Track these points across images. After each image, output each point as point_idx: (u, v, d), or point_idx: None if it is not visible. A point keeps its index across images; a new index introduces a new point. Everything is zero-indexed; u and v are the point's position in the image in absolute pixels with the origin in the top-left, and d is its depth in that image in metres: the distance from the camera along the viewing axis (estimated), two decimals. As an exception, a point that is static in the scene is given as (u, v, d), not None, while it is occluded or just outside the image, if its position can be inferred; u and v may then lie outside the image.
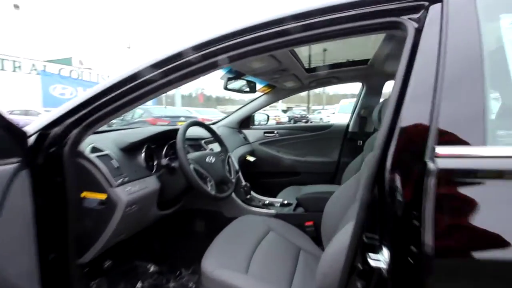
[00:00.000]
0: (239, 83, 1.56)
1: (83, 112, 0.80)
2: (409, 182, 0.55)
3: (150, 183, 1.12)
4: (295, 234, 1.37)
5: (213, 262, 1.04)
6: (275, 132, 2.47)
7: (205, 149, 1.58)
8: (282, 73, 1.51)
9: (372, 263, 0.58)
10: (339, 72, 1.90)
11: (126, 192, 1.00)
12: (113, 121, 0.97)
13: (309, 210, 1.46)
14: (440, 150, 0.52)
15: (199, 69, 0.74)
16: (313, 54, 1.71)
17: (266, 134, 2.47)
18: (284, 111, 21.64)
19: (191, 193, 1.39)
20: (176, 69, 0.74)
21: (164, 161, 1.12)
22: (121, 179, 1.01)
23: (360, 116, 2.12)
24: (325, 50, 1.70)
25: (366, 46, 1.68)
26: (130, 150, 1.15)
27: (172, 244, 1.64)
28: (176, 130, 1.29)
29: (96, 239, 1.01)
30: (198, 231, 1.65)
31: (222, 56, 0.72)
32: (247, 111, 2.42)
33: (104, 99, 0.79)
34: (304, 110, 23.66)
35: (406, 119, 0.58)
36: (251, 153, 2.38)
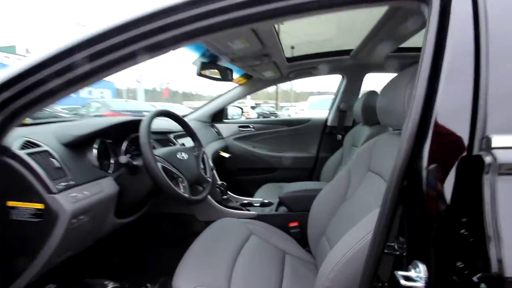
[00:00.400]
0: (214, 70, 1.37)
1: (7, 94, 0.57)
2: (454, 180, 0.43)
3: (106, 187, 0.90)
4: (278, 236, 1.24)
5: (187, 279, 0.86)
6: (251, 126, 2.31)
7: (174, 145, 1.37)
8: (263, 60, 1.35)
9: (404, 283, 0.45)
10: (320, 62, 1.80)
11: (71, 199, 0.77)
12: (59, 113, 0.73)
13: (293, 210, 1.34)
14: (499, 140, 0.40)
15: (168, 42, 0.55)
16: (295, 43, 1.59)
17: (241, 129, 2.30)
18: (253, 108, 21.59)
19: (158, 196, 1.18)
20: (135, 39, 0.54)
21: (124, 158, 0.90)
22: (65, 183, 0.78)
23: (340, 110, 2.05)
24: (309, 41, 1.59)
25: (349, 36, 1.59)
26: (78, 145, 0.91)
27: (135, 255, 1.40)
28: (138, 122, 1.07)
29: (31, 260, 0.78)
30: (166, 239, 1.43)
31: (186, 27, 0.53)
32: (220, 103, 2.23)
33: (37, 76, 0.57)
34: (272, 107, 23.84)
35: (444, 103, 0.45)
36: (225, 149, 2.20)
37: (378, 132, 1.50)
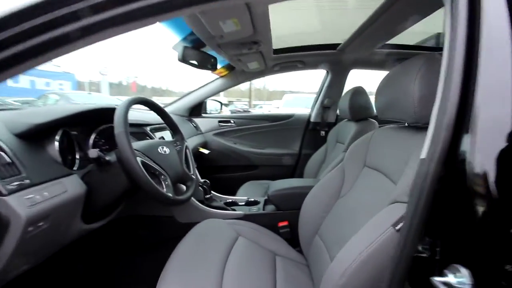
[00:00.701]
0: (198, 56, 1.24)
1: None
2: (504, 173, 0.38)
3: (70, 186, 0.74)
4: (267, 237, 1.16)
5: (173, 287, 0.75)
6: (232, 121, 2.20)
7: (152, 138, 1.22)
8: (252, 48, 1.26)
9: None
10: (306, 56, 1.75)
11: (27, 203, 0.62)
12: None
13: (282, 208, 1.27)
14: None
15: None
16: (283, 35, 1.51)
17: (221, 124, 2.18)
18: (226, 105, 21.31)
19: (132, 196, 1.03)
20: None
21: (94, 152, 0.75)
22: (18, 182, 0.62)
23: (323, 106, 2.02)
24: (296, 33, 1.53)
25: (338, 30, 1.56)
26: (35, 137, 0.75)
27: (106, 264, 1.24)
28: (109, 111, 0.92)
29: None
30: (142, 244, 1.28)
31: None
32: (199, 96, 2.09)
33: None
34: (245, 105, 23.81)
35: (485, 91, 0.41)
36: (204, 145, 2.07)
37: (366, 128, 1.48)
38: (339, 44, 1.63)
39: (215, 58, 1.40)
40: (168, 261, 0.86)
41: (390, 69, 1.77)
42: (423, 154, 0.49)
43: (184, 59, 1.14)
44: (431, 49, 1.67)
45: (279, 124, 2.17)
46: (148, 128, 1.26)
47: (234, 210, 1.31)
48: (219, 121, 2.19)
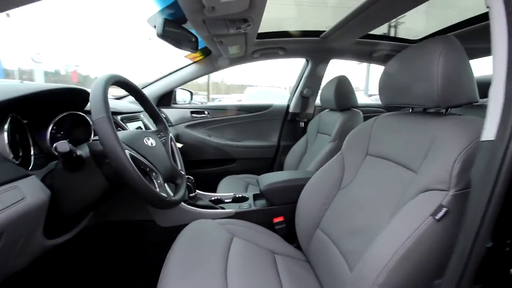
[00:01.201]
0: (178, 33, 1.06)
1: None
2: None
3: (29, 192, 0.54)
4: (263, 235, 1.07)
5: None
6: (206, 112, 2.03)
7: (123, 130, 1.02)
8: (241, 27, 1.12)
9: None
10: (288, 42, 1.66)
11: None
12: None
13: (276, 203, 1.18)
14: None
15: None
16: (266, 19, 1.40)
17: (194, 115, 2.00)
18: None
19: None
20: None
21: (63, 146, 0.56)
22: None
23: (303, 96, 1.97)
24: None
25: (323, 17, 1.50)
26: None
27: (76, 281, 1.01)
28: (75, 92, 0.72)
29: None
30: (119, 256, 1.08)
31: None
32: (168, 84, 1.88)
33: None
34: (204, 98, 23.19)
35: None
36: (175, 138, 1.87)
37: (353, 117, 1.47)
38: (322, 31, 1.58)
39: (196, 38, 1.23)
40: (163, 269, 0.73)
41: (367, 60, 1.78)
42: (488, 136, 0.44)
43: (164, 35, 0.96)
44: (409, 42, 1.73)
45: (256, 115, 2.07)
46: (118, 118, 1.05)
47: (222, 208, 1.19)
48: (192, 112, 2.00)
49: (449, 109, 0.73)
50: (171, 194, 0.76)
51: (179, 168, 0.91)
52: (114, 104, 1.07)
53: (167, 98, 1.94)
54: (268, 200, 1.20)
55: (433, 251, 0.56)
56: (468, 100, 0.67)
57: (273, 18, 1.44)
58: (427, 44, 0.72)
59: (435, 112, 0.76)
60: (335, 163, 1.01)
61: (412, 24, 1.67)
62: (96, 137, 0.68)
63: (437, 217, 0.55)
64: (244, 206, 1.19)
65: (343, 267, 0.79)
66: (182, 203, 1.11)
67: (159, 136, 0.88)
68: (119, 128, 1.01)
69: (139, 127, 0.96)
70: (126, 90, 0.77)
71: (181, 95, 2.12)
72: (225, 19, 1.02)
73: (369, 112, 2.08)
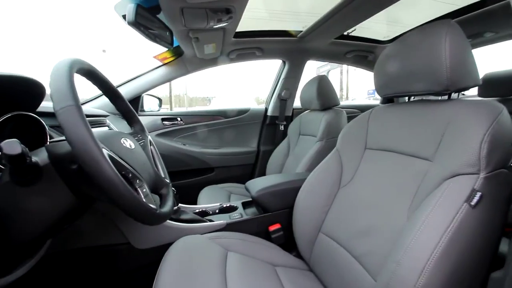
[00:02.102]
0: (152, 24, 0.93)
1: None
2: None
3: None
4: (259, 246, 0.96)
5: None
6: (178, 118, 1.86)
7: None
8: (220, 20, 1.03)
9: None
10: (266, 42, 1.60)
11: None
12: None
13: (271, 209, 1.07)
14: None
15: None
16: (243, 17, 1.34)
17: (166, 122, 1.83)
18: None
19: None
20: None
21: (12, 146, 0.40)
22: None
23: (281, 98, 1.92)
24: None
25: (300, 16, 1.48)
26: None
27: None
28: (22, 84, 0.57)
29: None
30: None
31: None
32: (135, 89, 1.69)
33: None
34: (167, 110, 22.47)
35: None
36: (146, 149, 1.68)
37: (337, 116, 1.44)
38: (300, 31, 1.56)
39: (170, 31, 1.10)
40: None
41: (341, 61, 1.79)
42: None
43: (136, 23, 0.82)
44: (380, 42, 1.79)
45: (233, 120, 1.96)
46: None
47: (211, 221, 1.05)
48: (163, 119, 1.83)
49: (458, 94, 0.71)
50: (164, 206, 0.62)
51: (163, 175, 0.77)
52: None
53: (133, 105, 1.74)
54: (260, 207, 1.09)
55: (474, 241, 0.51)
56: (474, 83, 0.66)
57: (251, 16, 1.37)
58: (430, 28, 0.70)
59: (440, 100, 0.74)
60: (332, 160, 0.95)
61: (382, 26, 1.73)
62: (57, 139, 0.52)
63: (472, 203, 0.50)
64: (235, 216, 1.07)
65: (359, 273, 0.71)
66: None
67: (136, 138, 0.73)
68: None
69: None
70: (93, 82, 0.62)
71: (149, 103, 1.94)
72: (206, 8, 0.92)
73: (347, 112, 2.12)
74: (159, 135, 1.80)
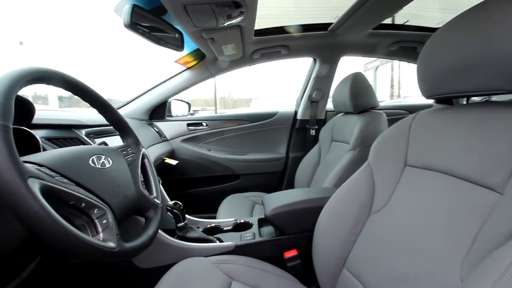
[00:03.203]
0: (154, 24, 0.86)
1: None
2: None
3: None
4: (270, 276, 0.81)
5: None
6: (204, 123, 1.81)
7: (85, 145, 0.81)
8: (230, 16, 0.92)
9: None
10: (292, 39, 1.44)
11: None
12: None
13: (286, 232, 0.92)
14: None
15: None
16: (263, 14, 1.21)
17: (190, 127, 1.79)
18: (191, 114, 20.79)
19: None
20: None
21: None
22: None
23: (311, 100, 1.74)
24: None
25: (330, 5, 1.29)
26: None
27: None
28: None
29: None
30: None
31: None
32: (161, 95, 1.69)
33: None
34: (211, 113, 23.52)
35: None
36: (171, 154, 1.66)
37: (375, 120, 1.22)
38: (331, 23, 1.36)
39: (180, 34, 1.03)
40: None
41: (383, 56, 1.52)
42: None
43: (133, 25, 0.76)
44: (433, 30, 1.49)
45: (261, 124, 1.84)
46: (82, 132, 0.84)
47: (220, 240, 0.94)
48: (188, 124, 1.80)
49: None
50: (140, 237, 0.53)
51: (153, 195, 0.68)
52: (76, 116, 0.86)
53: (160, 111, 1.75)
54: (276, 227, 0.95)
55: None
56: None
57: (272, 12, 1.24)
58: (490, 7, 0.48)
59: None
60: (362, 177, 0.76)
61: (434, 12, 1.43)
62: None
63: None
64: (247, 237, 0.95)
65: None
66: (167, 237, 0.88)
67: (124, 153, 0.66)
68: (81, 146, 0.79)
69: (103, 142, 0.75)
70: (69, 90, 0.55)
71: (177, 107, 1.93)
72: (210, 3, 0.82)
73: (391, 115, 1.83)
74: (184, 140, 1.77)
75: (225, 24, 1.00)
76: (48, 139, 0.73)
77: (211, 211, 1.51)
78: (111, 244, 0.43)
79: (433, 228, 0.53)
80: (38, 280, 0.66)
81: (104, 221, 0.45)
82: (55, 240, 0.35)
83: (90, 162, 0.51)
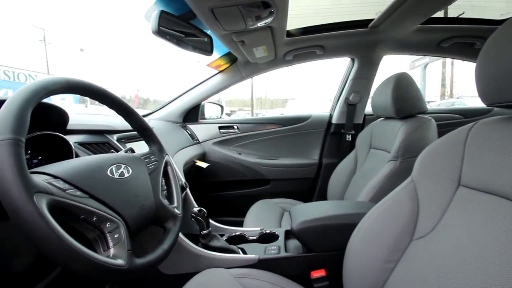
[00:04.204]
0: (183, 30, 0.86)
1: None
2: None
3: None
4: None
5: None
6: (235, 126, 1.80)
7: (117, 151, 0.83)
8: (259, 17, 0.88)
9: None
10: (328, 38, 1.35)
11: None
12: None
13: (315, 249, 0.85)
14: None
15: None
16: (295, 14, 1.14)
17: (222, 130, 1.79)
18: (228, 115, 21.39)
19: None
20: None
21: None
22: None
23: (348, 103, 1.62)
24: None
25: (369, 1, 1.18)
26: None
27: None
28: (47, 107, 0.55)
29: None
30: None
31: None
32: (194, 98, 1.72)
33: None
34: (248, 114, 23.88)
35: None
36: (202, 157, 1.68)
37: (421, 127, 1.08)
38: (371, 20, 1.24)
39: (209, 38, 1.02)
40: None
41: (433, 53, 1.34)
42: None
43: (161, 31, 0.76)
44: (494, 23, 1.28)
45: (293, 128, 1.77)
46: (114, 137, 0.87)
47: (243, 251, 0.91)
48: (220, 127, 1.80)
49: None
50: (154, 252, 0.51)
51: (174, 204, 0.67)
52: (109, 121, 0.89)
53: (193, 113, 1.78)
54: (304, 244, 0.88)
55: None
56: None
57: (305, 11, 1.17)
58: None
59: None
60: (404, 195, 0.66)
61: (496, 1, 1.23)
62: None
63: None
64: (272, 250, 0.89)
65: None
66: (192, 245, 0.87)
67: (147, 160, 0.65)
68: (112, 150, 0.82)
69: (130, 149, 0.76)
70: (93, 98, 0.56)
71: (210, 110, 1.96)
72: (238, 5, 0.78)
73: (442, 119, 1.62)
74: (215, 143, 1.78)
75: (255, 26, 0.96)
76: (82, 144, 0.76)
77: (240, 215, 1.49)
78: (120, 262, 0.41)
79: (491, 263, 0.43)
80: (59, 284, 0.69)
81: (116, 236, 0.44)
82: (59, 256, 0.34)
83: (108, 172, 0.51)
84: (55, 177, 0.41)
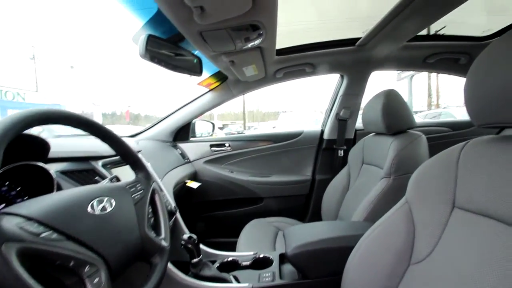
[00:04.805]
0: (171, 52, 0.85)
1: None
2: None
3: None
4: None
5: None
6: (227, 144, 1.78)
7: (103, 179, 0.79)
8: (248, 39, 0.88)
9: None
10: (316, 56, 1.37)
11: None
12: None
13: (310, 275, 0.82)
14: None
15: None
16: (285, 32, 1.16)
17: (214, 148, 1.77)
18: (221, 128, 21.36)
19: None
20: None
21: None
22: None
23: (339, 118, 1.62)
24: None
25: (357, 19, 1.21)
26: None
27: None
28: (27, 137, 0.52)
29: None
30: None
31: None
32: (185, 116, 1.70)
33: None
34: (240, 127, 23.95)
35: None
36: (193, 176, 1.64)
37: (412, 143, 1.08)
38: (358, 38, 1.27)
39: (198, 59, 1.01)
40: None
41: (419, 69, 1.37)
42: None
43: (148, 54, 0.75)
44: (477, 39, 1.32)
45: (285, 145, 1.76)
46: (99, 163, 0.83)
47: (236, 279, 0.86)
48: (211, 145, 1.77)
49: None
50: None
51: (161, 236, 0.63)
52: (93, 147, 0.86)
53: (184, 132, 1.76)
54: (299, 269, 0.85)
55: None
56: None
57: (292, 30, 1.19)
58: None
59: None
60: (398, 217, 0.64)
61: (480, 17, 1.28)
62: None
63: None
64: (266, 277, 0.85)
65: None
66: (181, 274, 0.82)
67: (133, 189, 0.62)
68: (97, 177, 0.78)
69: (115, 177, 0.73)
70: (76, 127, 0.53)
71: (201, 127, 1.93)
72: (226, 28, 0.78)
73: (431, 132, 1.64)
74: (207, 162, 1.75)
75: (244, 47, 0.96)
76: (64, 172, 0.72)
77: (233, 235, 1.45)
78: None
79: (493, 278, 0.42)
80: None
81: (96, 280, 0.40)
82: None
83: (89, 208, 0.47)
84: (28, 218, 0.38)
